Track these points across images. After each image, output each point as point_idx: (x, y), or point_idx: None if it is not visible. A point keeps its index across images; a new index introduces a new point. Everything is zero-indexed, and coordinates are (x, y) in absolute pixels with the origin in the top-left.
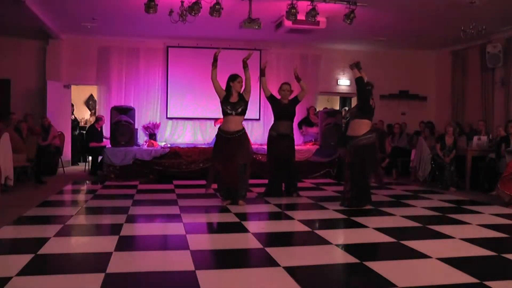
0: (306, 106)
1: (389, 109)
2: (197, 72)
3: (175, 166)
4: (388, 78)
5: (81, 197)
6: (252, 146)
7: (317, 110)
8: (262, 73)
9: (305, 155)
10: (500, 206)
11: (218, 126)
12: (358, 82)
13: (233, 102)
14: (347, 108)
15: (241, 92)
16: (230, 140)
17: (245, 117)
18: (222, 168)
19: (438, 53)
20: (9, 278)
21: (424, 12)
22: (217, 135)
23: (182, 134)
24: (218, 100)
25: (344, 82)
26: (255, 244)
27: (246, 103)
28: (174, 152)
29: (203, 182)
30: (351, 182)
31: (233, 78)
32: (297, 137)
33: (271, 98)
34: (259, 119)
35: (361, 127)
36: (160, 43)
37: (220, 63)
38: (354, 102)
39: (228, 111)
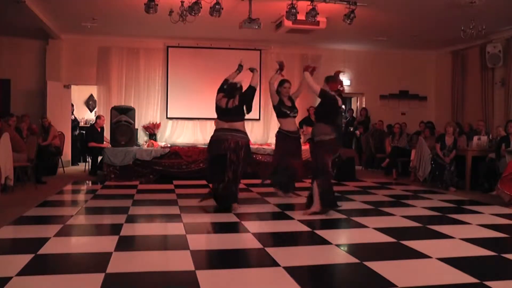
0: (306, 106)
1: (389, 109)
2: (197, 72)
3: (175, 166)
4: (388, 78)
5: (81, 197)
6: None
7: None
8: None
9: (305, 154)
10: (500, 206)
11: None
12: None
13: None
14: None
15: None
16: (294, 140)
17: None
18: (290, 163)
19: (438, 53)
20: (9, 278)
21: (424, 12)
22: (281, 134)
23: (182, 134)
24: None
25: (344, 82)
26: (255, 244)
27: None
28: (174, 152)
29: (203, 182)
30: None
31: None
32: None
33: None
34: (259, 119)
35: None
36: (160, 43)
37: (219, 63)
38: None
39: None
